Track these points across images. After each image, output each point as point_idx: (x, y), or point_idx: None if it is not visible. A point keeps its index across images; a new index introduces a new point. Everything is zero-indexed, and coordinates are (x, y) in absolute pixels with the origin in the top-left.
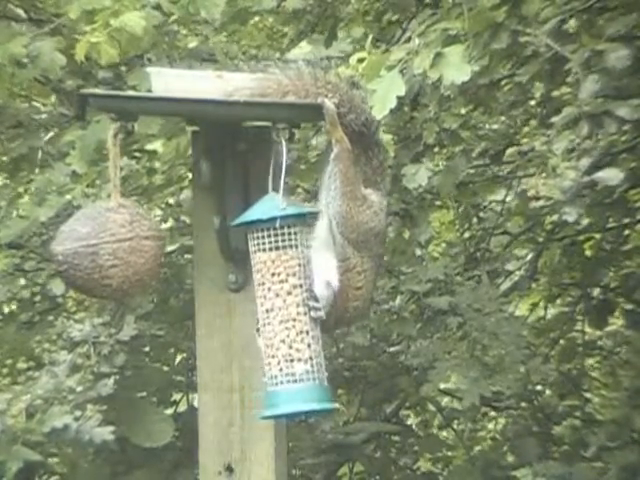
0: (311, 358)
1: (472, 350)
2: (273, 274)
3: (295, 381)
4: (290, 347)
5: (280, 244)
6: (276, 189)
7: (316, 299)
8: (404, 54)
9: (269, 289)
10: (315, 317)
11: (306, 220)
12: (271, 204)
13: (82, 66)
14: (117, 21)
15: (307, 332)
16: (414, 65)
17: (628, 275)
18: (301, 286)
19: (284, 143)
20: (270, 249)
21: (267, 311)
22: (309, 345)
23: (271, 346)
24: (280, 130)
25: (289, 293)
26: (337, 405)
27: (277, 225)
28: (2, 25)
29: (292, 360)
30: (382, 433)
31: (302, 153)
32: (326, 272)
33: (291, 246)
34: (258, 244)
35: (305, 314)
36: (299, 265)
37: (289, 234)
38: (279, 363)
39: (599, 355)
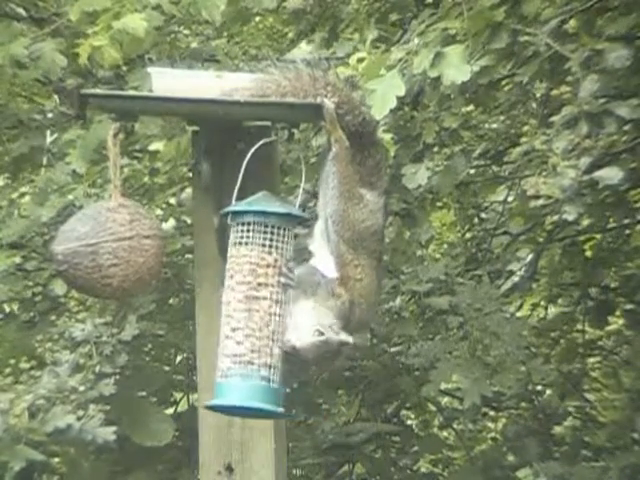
0: (235, 355)
1: (473, 350)
2: (227, 269)
3: (224, 377)
4: (223, 342)
5: (235, 241)
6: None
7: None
8: (404, 54)
9: (225, 284)
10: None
11: (277, 220)
12: (247, 200)
13: (83, 65)
14: (119, 23)
15: (241, 329)
16: (414, 65)
17: (629, 277)
18: (244, 283)
19: (261, 144)
20: (232, 245)
21: (224, 304)
22: (238, 343)
23: (220, 339)
24: (279, 130)
25: (232, 289)
26: (269, 407)
27: (229, 221)
28: (3, 25)
29: (222, 355)
30: (382, 433)
31: (302, 153)
32: (314, 317)
33: (242, 243)
34: (231, 238)
35: (242, 311)
36: (249, 263)
37: (242, 231)
38: (218, 357)
39: (600, 355)
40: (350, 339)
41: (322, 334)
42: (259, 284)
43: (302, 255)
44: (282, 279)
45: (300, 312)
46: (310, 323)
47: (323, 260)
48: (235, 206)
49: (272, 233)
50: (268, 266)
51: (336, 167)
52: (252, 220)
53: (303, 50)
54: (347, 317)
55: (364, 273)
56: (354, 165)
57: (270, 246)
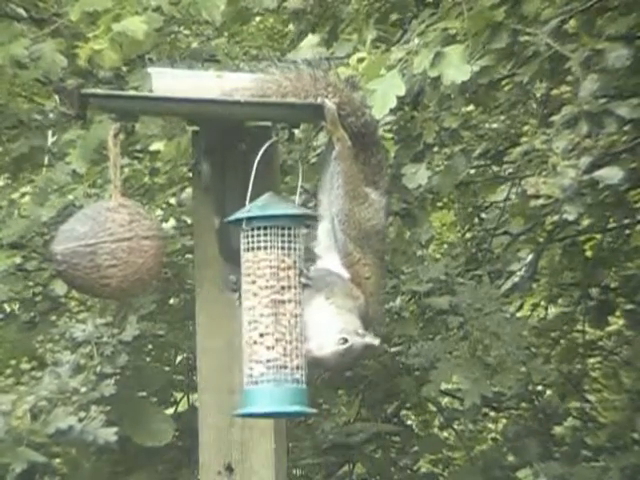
0: (269, 360)
1: (473, 350)
2: (246, 275)
3: (254, 383)
4: (251, 348)
5: (249, 245)
6: (266, 188)
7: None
8: (404, 54)
9: (243, 289)
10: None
11: (291, 221)
12: (258, 204)
13: (83, 66)
14: (118, 26)
15: (270, 334)
16: (414, 65)
17: (629, 277)
18: (268, 288)
19: (267, 145)
20: (246, 250)
21: (246, 310)
22: (268, 348)
23: (244, 345)
24: (279, 130)
25: (255, 295)
26: (300, 408)
27: (243, 226)
28: (3, 25)
29: (251, 361)
30: (383, 433)
31: (302, 153)
32: (339, 322)
33: (259, 248)
34: (243, 243)
35: (269, 316)
36: (270, 267)
37: (258, 235)
38: (244, 364)
39: (600, 355)
40: (376, 341)
41: (346, 341)
42: (282, 287)
43: (307, 255)
44: (303, 279)
45: (319, 315)
46: (334, 329)
47: (331, 261)
48: (250, 211)
49: (289, 235)
50: (289, 268)
51: (340, 166)
52: (268, 224)
53: (309, 45)
54: (365, 317)
55: (371, 272)
56: (358, 164)
57: (288, 248)
